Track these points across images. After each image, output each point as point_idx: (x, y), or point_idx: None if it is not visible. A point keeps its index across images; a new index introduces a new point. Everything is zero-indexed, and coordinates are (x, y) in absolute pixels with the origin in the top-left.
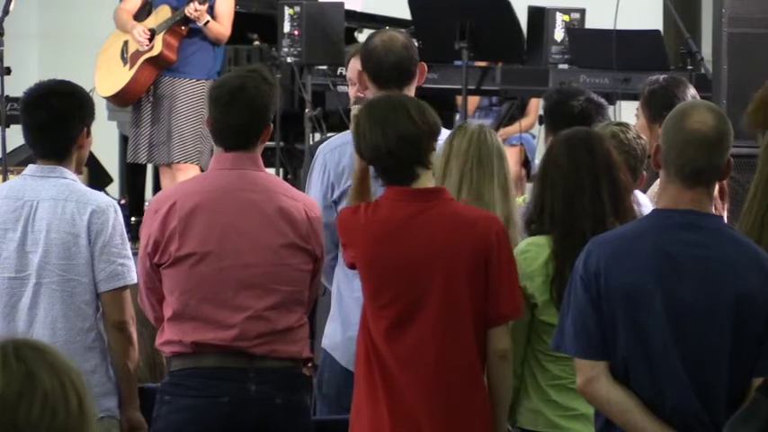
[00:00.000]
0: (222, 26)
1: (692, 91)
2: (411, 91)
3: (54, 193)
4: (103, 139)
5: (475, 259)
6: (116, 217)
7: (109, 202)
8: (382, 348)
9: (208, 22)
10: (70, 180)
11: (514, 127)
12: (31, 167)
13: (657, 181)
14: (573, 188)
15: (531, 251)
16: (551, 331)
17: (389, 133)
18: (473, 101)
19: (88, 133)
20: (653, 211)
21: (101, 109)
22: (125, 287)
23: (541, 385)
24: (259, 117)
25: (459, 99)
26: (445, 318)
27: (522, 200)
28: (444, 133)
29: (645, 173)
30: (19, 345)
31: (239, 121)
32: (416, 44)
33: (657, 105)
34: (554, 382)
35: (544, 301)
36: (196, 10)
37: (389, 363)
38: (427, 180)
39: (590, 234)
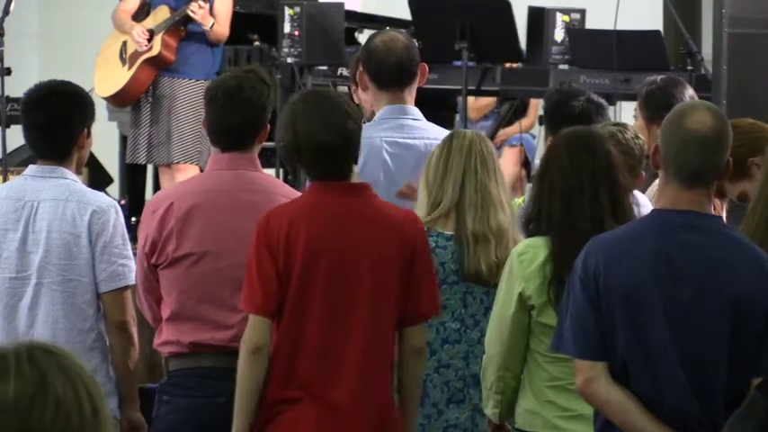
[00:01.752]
0: (221, 26)
1: (689, 91)
2: (412, 91)
3: (55, 193)
4: (104, 140)
5: (401, 258)
6: (117, 217)
7: (110, 202)
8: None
9: (213, 24)
10: (71, 180)
11: (514, 127)
12: (31, 168)
13: (656, 181)
14: (572, 188)
15: (529, 253)
16: (550, 333)
17: (334, 128)
18: (481, 106)
19: (88, 134)
20: (652, 211)
21: (101, 109)
22: (126, 287)
23: (540, 386)
24: (256, 117)
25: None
26: (373, 315)
27: (521, 200)
28: (439, 132)
29: (643, 173)
30: (33, 348)
31: (236, 122)
32: (417, 44)
33: (655, 106)
34: (552, 383)
35: (542, 302)
36: (200, 7)
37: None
38: (355, 177)
39: (588, 235)
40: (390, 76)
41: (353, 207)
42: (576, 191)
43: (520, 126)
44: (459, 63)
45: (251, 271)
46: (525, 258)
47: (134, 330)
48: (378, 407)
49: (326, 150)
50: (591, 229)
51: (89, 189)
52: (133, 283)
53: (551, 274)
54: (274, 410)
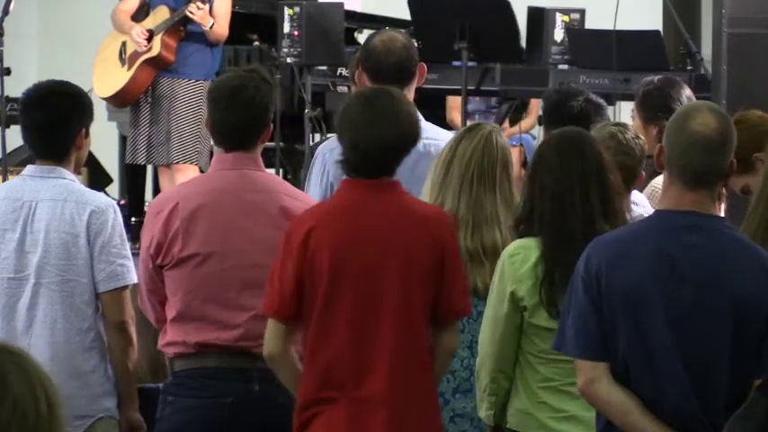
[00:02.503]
0: (221, 27)
1: (687, 91)
2: (411, 91)
3: (53, 193)
4: (103, 140)
5: (431, 256)
6: (115, 217)
7: (108, 202)
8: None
9: (213, 24)
10: (69, 180)
11: (515, 128)
12: (29, 168)
13: (653, 180)
14: (562, 189)
15: (521, 254)
16: (542, 334)
17: (386, 133)
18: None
19: (87, 134)
20: (654, 212)
21: (101, 109)
22: (125, 287)
23: (532, 387)
24: (259, 117)
25: (450, 100)
26: (403, 314)
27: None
28: (438, 133)
29: (643, 173)
30: None
31: (239, 122)
32: (416, 44)
33: (652, 106)
34: (545, 384)
35: (534, 304)
36: (199, 8)
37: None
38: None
39: (580, 235)
40: (389, 75)
41: (382, 204)
42: (567, 191)
43: (520, 127)
44: (458, 63)
45: (272, 275)
46: (517, 259)
47: (133, 330)
48: (412, 406)
49: (373, 154)
50: (582, 229)
51: (87, 189)
52: (132, 282)
53: (543, 275)
54: (310, 412)
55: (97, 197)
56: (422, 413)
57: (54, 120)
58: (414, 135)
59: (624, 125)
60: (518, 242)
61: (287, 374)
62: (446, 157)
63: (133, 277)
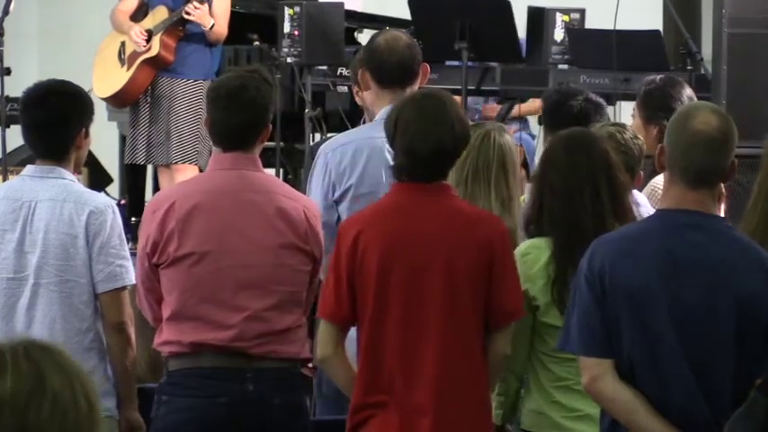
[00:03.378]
0: (220, 27)
1: (688, 91)
2: (414, 90)
3: (52, 193)
4: (104, 140)
5: (478, 259)
6: (114, 218)
7: (107, 202)
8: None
9: (213, 25)
10: (68, 181)
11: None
12: (29, 168)
13: (653, 180)
14: (572, 188)
15: (532, 254)
16: (554, 333)
17: (431, 139)
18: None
19: (87, 134)
20: (657, 211)
21: (101, 109)
22: (123, 287)
23: (545, 386)
24: (259, 117)
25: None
26: (450, 317)
27: (522, 200)
28: None
29: (641, 173)
30: (29, 345)
31: (239, 122)
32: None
33: (653, 106)
34: (558, 384)
35: (546, 303)
36: (196, 8)
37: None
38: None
39: (591, 234)
40: (392, 74)
41: (431, 207)
42: (577, 190)
43: (519, 109)
44: (458, 63)
45: (327, 278)
46: (528, 259)
47: (131, 330)
48: (458, 411)
49: (422, 159)
50: (593, 227)
51: (87, 189)
52: (131, 283)
53: (555, 274)
54: (361, 415)
55: (96, 197)
56: (469, 419)
57: (54, 119)
58: (466, 138)
59: (622, 125)
60: (529, 242)
61: (341, 377)
62: None
63: (132, 278)
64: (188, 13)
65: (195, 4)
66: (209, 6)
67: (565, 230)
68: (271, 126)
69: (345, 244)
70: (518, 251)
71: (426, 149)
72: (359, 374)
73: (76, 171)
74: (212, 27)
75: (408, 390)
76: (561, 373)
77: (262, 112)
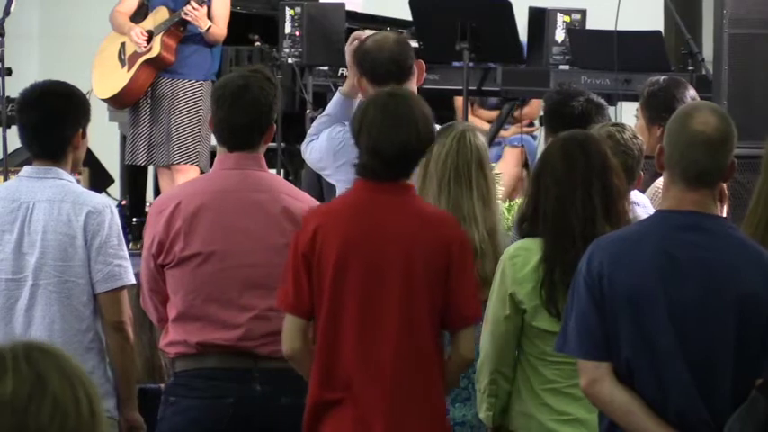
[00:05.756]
0: (219, 28)
1: (691, 92)
2: (411, 88)
3: (50, 194)
4: (104, 140)
5: (434, 259)
6: (112, 218)
7: (105, 202)
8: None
9: (209, 27)
10: (66, 181)
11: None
12: (26, 169)
13: (656, 181)
14: (565, 189)
15: (521, 256)
16: (543, 336)
17: (396, 139)
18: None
19: (84, 134)
20: (656, 212)
21: (102, 110)
22: (122, 287)
23: (535, 389)
24: (263, 117)
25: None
26: (406, 315)
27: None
28: None
29: (642, 173)
30: (30, 348)
31: (243, 121)
32: (417, 45)
33: (657, 107)
34: (548, 386)
35: (534, 306)
36: (194, 9)
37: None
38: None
39: (579, 236)
40: (386, 71)
41: (391, 207)
42: (570, 192)
43: (521, 114)
44: (459, 63)
45: (285, 271)
46: (517, 261)
47: (131, 330)
48: (412, 409)
49: (386, 158)
50: (581, 229)
51: (84, 190)
52: (129, 283)
53: (543, 275)
54: (318, 411)
55: (94, 198)
56: (422, 417)
57: (50, 119)
58: (431, 137)
59: (622, 125)
60: (519, 243)
61: (308, 371)
62: (423, 160)
63: (131, 278)
64: (186, 14)
65: (194, 4)
66: (209, 7)
67: (554, 232)
68: (275, 126)
69: (305, 236)
70: (507, 253)
71: (391, 150)
72: (314, 370)
73: (75, 171)
74: (208, 29)
75: (363, 388)
76: (551, 376)
77: (265, 112)
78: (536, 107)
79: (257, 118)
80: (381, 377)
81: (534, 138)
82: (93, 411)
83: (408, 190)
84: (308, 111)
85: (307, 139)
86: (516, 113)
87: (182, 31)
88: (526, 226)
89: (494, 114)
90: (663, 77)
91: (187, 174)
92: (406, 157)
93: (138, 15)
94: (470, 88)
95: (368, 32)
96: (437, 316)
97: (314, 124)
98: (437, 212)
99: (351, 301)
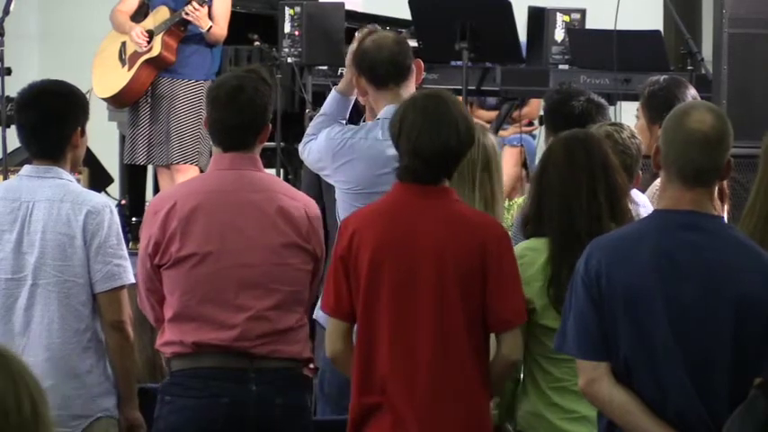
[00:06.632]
0: (219, 28)
1: (692, 92)
2: (410, 88)
3: (50, 193)
4: (104, 140)
5: (469, 262)
6: (111, 217)
7: (104, 202)
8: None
9: (210, 27)
10: (66, 181)
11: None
12: (26, 168)
13: (657, 181)
14: (570, 188)
15: (528, 256)
16: (551, 335)
17: (437, 139)
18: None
19: (83, 133)
20: (653, 211)
21: (101, 109)
22: (122, 287)
23: (543, 388)
24: (258, 117)
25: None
26: (441, 319)
27: (521, 200)
28: None
29: (641, 173)
30: None
31: (238, 122)
32: (417, 44)
33: (657, 106)
34: (556, 385)
35: (543, 305)
36: (195, 9)
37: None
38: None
39: (585, 235)
40: (385, 71)
41: (428, 210)
42: (574, 190)
43: (519, 114)
44: (459, 63)
45: (328, 273)
46: (525, 261)
47: (130, 330)
48: (448, 411)
49: (425, 160)
50: (589, 228)
51: (84, 189)
52: (129, 282)
53: (551, 275)
54: (359, 416)
55: (93, 197)
56: (457, 420)
57: (48, 119)
58: (471, 137)
59: (620, 125)
60: (525, 243)
61: (351, 373)
62: None
63: (130, 277)
64: (187, 14)
65: (195, 5)
66: (210, 7)
67: (561, 231)
68: (270, 126)
69: (342, 241)
70: (515, 252)
71: (431, 150)
72: (354, 375)
73: (74, 170)
74: (209, 29)
75: (400, 393)
76: (559, 375)
77: (260, 112)
78: (535, 107)
79: (252, 118)
80: (416, 381)
81: (533, 137)
82: (37, 413)
83: (448, 193)
84: (307, 110)
85: (304, 139)
86: (515, 114)
87: (182, 31)
88: (530, 227)
89: (493, 115)
90: (663, 77)
91: (187, 173)
92: (447, 158)
93: (139, 15)
94: (470, 88)
95: (377, 27)
96: (476, 317)
97: (311, 124)
98: (476, 214)
99: (384, 305)
